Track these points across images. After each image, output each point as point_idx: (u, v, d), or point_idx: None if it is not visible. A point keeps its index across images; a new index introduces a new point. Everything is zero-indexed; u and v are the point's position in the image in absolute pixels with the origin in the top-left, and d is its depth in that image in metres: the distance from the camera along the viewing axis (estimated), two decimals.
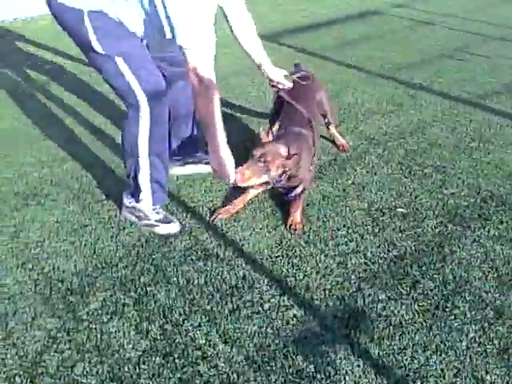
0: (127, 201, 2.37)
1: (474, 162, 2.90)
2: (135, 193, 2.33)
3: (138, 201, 2.33)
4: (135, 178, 2.29)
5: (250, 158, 2.26)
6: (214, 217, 2.39)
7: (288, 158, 2.27)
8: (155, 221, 2.32)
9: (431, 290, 2.00)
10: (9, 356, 1.73)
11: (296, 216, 2.37)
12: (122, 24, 2.02)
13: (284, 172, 2.29)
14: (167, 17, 1.92)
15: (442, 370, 1.68)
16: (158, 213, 2.34)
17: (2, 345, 1.78)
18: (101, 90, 3.84)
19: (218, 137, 2.10)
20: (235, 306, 1.93)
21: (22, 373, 1.68)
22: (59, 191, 2.65)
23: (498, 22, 5.84)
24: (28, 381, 1.65)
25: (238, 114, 3.55)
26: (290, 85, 2.70)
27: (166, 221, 2.33)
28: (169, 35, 1.99)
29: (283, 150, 2.28)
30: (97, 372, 1.68)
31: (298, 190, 2.42)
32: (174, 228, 2.32)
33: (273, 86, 2.74)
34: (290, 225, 2.34)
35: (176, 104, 2.52)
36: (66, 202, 2.55)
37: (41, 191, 2.67)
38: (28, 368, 1.69)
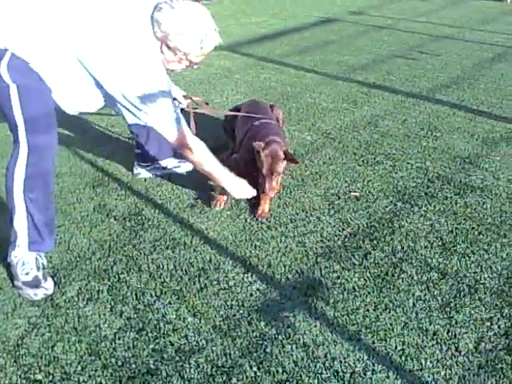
0: (10, 254, 2.15)
1: (422, 148, 3.13)
2: (13, 239, 2.12)
3: (14, 248, 2.12)
4: (11, 220, 2.10)
5: (267, 177, 2.45)
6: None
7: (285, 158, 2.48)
8: (22, 283, 2.08)
9: (381, 260, 2.19)
10: None
11: (266, 206, 2.53)
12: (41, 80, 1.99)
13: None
14: (125, 105, 2.06)
15: (390, 324, 1.87)
16: (27, 273, 2.09)
17: None
18: None
19: (222, 175, 2.35)
20: (203, 285, 2.09)
21: (5, 355, 1.80)
22: None
23: (447, 22, 6.19)
24: (12, 361, 1.78)
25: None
26: (185, 103, 2.74)
27: (32, 284, 2.07)
28: (130, 120, 2.15)
29: (281, 152, 2.47)
30: (76, 349, 1.81)
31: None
32: (39, 293, 2.06)
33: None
34: (260, 214, 2.51)
35: None
36: None
37: None
38: (11, 350, 1.82)
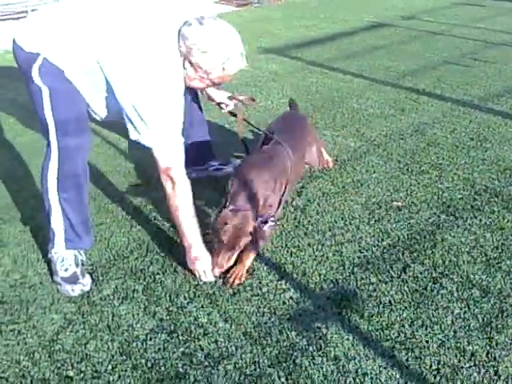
0: (50, 251, 2.22)
1: (470, 159, 3.02)
2: (52, 237, 2.19)
3: (53, 246, 2.19)
4: (48, 220, 2.17)
5: (221, 248, 2.11)
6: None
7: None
8: (60, 278, 2.14)
9: (421, 273, 2.12)
10: (29, 335, 1.91)
11: (243, 268, 2.15)
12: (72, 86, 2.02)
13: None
14: (131, 117, 1.99)
15: (426, 341, 1.80)
16: (66, 270, 2.15)
17: (23, 326, 1.95)
18: None
19: (189, 236, 2.15)
20: (236, 290, 2.08)
21: (40, 349, 1.85)
22: None
23: (504, 29, 5.96)
24: (46, 356, 1.82)
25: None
26: (232, 105, 2.69)
27: (70, 280, 2.13)
28: (133, 135, 2.05)
29: (250, 217, 2.14)
30: (108, 348, 1.84)
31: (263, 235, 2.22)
32: (76, 289, 2.11)
33: (218, 104, 2.75)
34: (232, 275, 2.12)
35: (190, 109, 2.70)
36: None
37: None
38: (46, 346, 1.86)
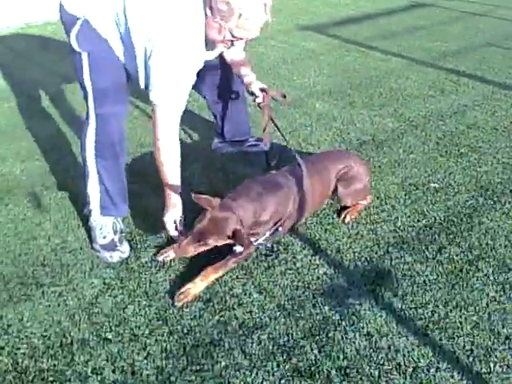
0: (89, 218, 2.29)
1: (510, 142, 2.97)
2: (88, 202, 2.27)
3: (90, 212, 2.26)
4: (85, 185, 2.24)
5: (190, 235, 1.96)
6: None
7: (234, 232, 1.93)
8: (99, 245, 2.20)
9: (457, 255, 2.11)
10: (70, 298, 1.98)
11: (194, 288, 1.95)
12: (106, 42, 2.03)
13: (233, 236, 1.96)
14: (146, 68, 1.95)
15: (460, 323, 1.80)
16: (104, 237, 2.21)
17: (64, 289, 2.02)
18: None
19: (168, 186, 2.11)
20: (271, 263, 2.11)
21: (80, 312, 1.91)
22: None
23: None
24: (86, 318, 1.88)
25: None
26: (261, 97, 2.47)
27: (109, 247, 2.18)
28: (142, 84, 2.02)
29: (234, 219, 1.95)
30: (145, 313, 1.89)
31: (240, 250, 2.01)
32: (114, 256, 2.16)
33: (250, 94, 2.54)
34: (182, 291, 1.94)
35: (230, 84, 2.71)
36: None
37: None
38: (86, 308, 1.93)
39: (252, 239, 2.05)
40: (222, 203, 1.99)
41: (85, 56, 2.05)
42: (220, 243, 1.97)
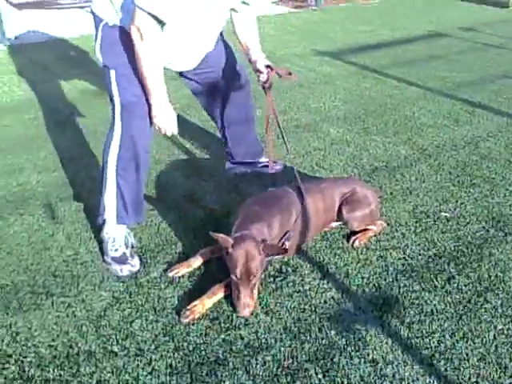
0: (102, 230, 2.33)
1: None
2: (101, 212, 2.30)
3: (103, 223, 2.30)
4: (101, 193, 2.29)
5: (239, 283, 1.93)
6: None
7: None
8: (111, 258, 2.23)
9: (465, 286, 2.11)
10: (78, 309, 2.00)
11: (200, 305, 1.97)
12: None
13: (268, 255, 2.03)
14: None
15: (466, 354, 1.79)
16: (116, 250, 2.24)
17: (73, 300, 2.04)
18: None
19: (150, 86, 2.08)
20: (278, 285, 2.11)
21: (88, 323, 1.93)
22: None
23: None
24: (93, 330, 1.90)
25: (299, 124, 3.76)
26: (265, 73, 2.41)
27: (120, 261, 2.21)
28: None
29: (258, 246, 1.97)
30: (152, 328, 1.91)
31: None
32: (124, 269, 2.19)
33: (255, 71, 2.47)
34: (190, 308, 1.95)
35: (242, 106, 2.75)
36: None
37: None
38: (94, 320, 1.95)
39: None
40: (236, 238, 1.99)
41: (112, 71, 2.13)
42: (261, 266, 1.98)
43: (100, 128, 3.66)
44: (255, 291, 1.96)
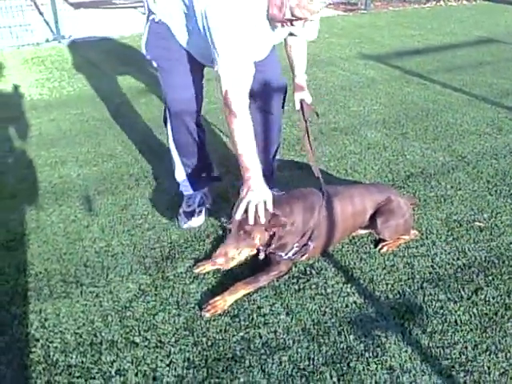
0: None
1: None
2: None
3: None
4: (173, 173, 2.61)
5: (230, 233, 1.98)
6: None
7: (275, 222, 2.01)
8: (182, 211, 2.54)
9: (493, 298, 2.05)
10: (105, 299, 2.06)
11: (222, 302, 2.00)
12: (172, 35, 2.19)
13: (273, 235, 2.05)
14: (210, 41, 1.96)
15: (488, 367, 1.75)
16: (189, 206, 2.54)
17: (101, 290, 2.11)
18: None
19: (246, 163, 2.01)
20: (301, 286, 2.12)
21: (113, 314, 1.99)
22: (166, 175, 3.00)
23: None
24: (118, 320, 1.96)
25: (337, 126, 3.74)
26: (298, 105, 2.48)
27: (187, 215, 2.51)
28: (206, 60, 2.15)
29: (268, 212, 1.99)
30: (174, 322, 1.95)
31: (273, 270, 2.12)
32: (186, 223, 2.49)
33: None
34: (211, 302, 2.00)
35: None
36: (170, 185, 2.89)
37: (151, 174, 3.05)
38: (119, 311, 2.01)
39: (281, 253, 2.09)
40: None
41: (159, 70, 2.31)
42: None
43: (143, 126, 3.77)
44: (240, 253, 1.99)
